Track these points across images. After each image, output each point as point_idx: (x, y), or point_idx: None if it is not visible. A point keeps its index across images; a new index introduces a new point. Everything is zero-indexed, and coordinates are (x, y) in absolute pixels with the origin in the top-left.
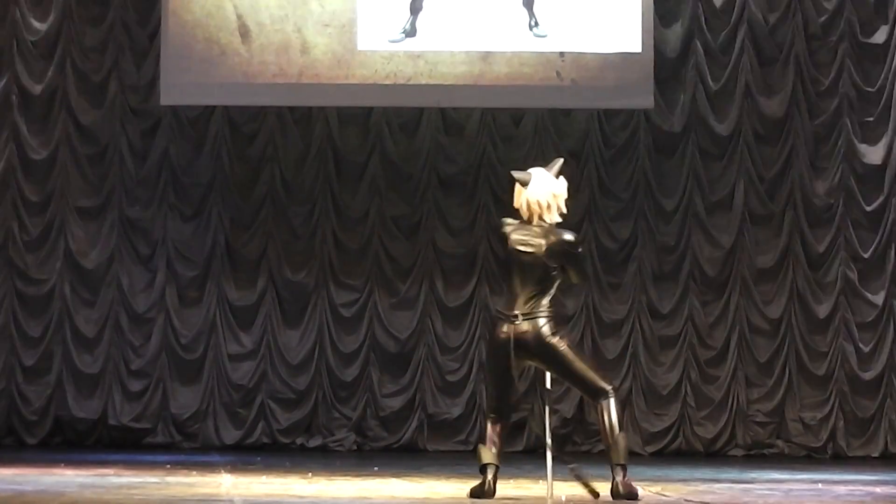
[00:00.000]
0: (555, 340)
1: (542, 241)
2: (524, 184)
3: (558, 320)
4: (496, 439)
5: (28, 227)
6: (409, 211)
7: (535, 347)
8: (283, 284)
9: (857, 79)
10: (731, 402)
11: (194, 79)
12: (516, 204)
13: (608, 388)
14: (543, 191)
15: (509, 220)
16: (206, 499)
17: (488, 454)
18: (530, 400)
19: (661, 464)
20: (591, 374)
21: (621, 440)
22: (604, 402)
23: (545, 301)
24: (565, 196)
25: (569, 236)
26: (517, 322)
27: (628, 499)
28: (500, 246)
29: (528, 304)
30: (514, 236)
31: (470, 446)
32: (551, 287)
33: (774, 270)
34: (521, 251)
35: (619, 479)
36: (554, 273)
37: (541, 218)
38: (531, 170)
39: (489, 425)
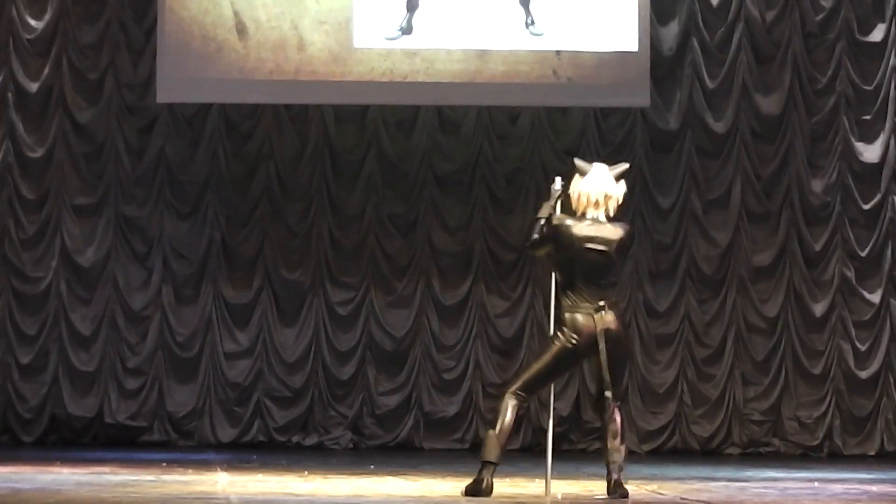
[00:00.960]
0: (625, 334)
1: (611, 238)
2: (583, 173)
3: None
4: (510, 423)
5: (24, 224)
6: (405, 209)
7: (616, 338)
8: (279, 282)
9: (854, 77)
10: (727, 400)
11: (191, 75)
12: (571, 191)
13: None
14: (597, 187)
15: (563, 216)
16: (203, 497)
17: (494, 450)
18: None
19: (658, 462)
20: (626, 376)
21: (624, 447)
22: (620, 406)
23: (613, 292)
24: (619, 200)
25: (629, 231)
26: (604, 314)
27: (623, 497)
28: (552, 239)
29: (603, 296)
30: (577, 230)
31: (466, 444)
32: (618, 279)
33: (771, 269)
34: (588, 248)
35: (615, 476)
36: (619, 264)
37: (584, 214)
38: (595, 164)
39: (510, 404)
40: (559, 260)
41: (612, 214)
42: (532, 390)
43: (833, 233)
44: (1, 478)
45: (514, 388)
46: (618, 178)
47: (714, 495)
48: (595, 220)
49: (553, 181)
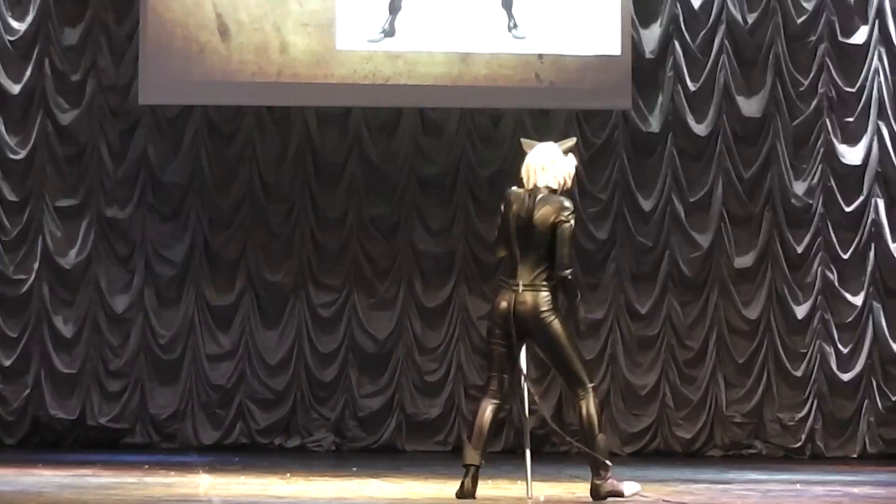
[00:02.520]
0: (551, 317)
1: (538, 208)
2: (527, 149)
3: (559, 297)
4: (485, 425)
5: (6, 226)
6: (387, 211)
7: (532, 322)
8: (261, 285)
9: (836, 79)
10: (709, 402)
11: (173, 77)
12: (522, 171)
13: (589, 384)
14: (542, 154)
15: (515, 189)
16: (185, 499)
17: (470, 453)
18: (509, 401)
19: (640, 464)
20: (577, 365)
21: (601, 440)
22: (582, 398)
23: (548, 274)
24: (569, 171)
25: (564, 202)
26: (518, 291)
27: (612, 496)
28: (501, 213)
29: (531, 276)
30: (514, 203)
31: (448, 447)
32: (548, 259)
33: (753, 271)
34: (517, 216)
35: (596, 480)
36: (551, 243)
37: (535, 185)
38: (541, 143)
39: (482, 406)
40: (503, 233)
41: (562, 182)
42: (493, 385)
43: (815, 235)
44: None
45: (484, 391)
46: (566, 152)
47: (696, 497)
48: (536, 191)
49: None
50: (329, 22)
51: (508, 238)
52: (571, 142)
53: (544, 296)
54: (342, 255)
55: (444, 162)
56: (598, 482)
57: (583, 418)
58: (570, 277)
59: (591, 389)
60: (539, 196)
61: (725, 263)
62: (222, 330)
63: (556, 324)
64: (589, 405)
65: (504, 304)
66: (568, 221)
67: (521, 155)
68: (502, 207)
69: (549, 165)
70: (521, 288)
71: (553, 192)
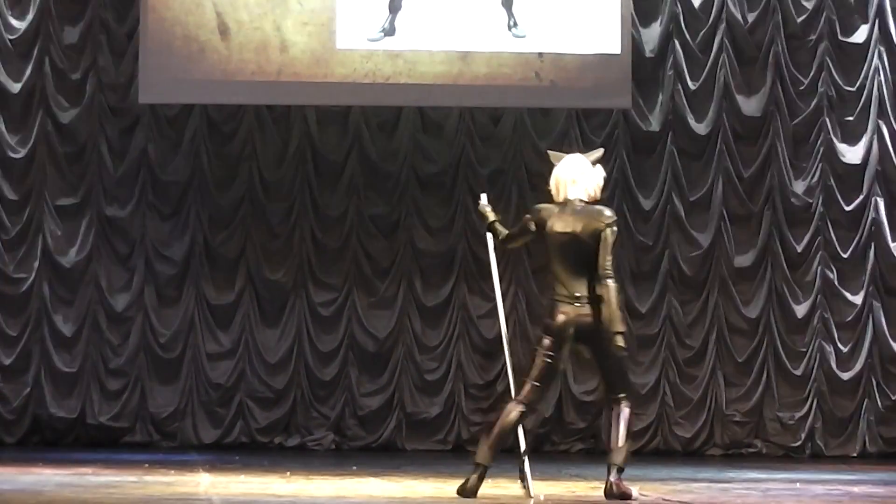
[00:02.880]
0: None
1: (580, 221)
2: (555, 162)
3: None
4: (507, 427)
5: (6, 225)
6: (387, 210)
7: (596, 331)
8: (261, 283)
9: (836, 78)
10: (709, 401)
11: (173, 76)
12: (551, 184)
13: (630, 394)
14: (573, 167)
15: (543, 205)
16: (185, 498)
17: (484, 452)
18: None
19: (640, 463)
20: (626, 373)
21: (627, 447)
22: (624, 405)
23: (596, 284)
24: (598, 182)
25: (605, 211)
26: (580, 304)
27: (622, 499)
28: (534, 231)
29: (587, 287)
30: (551, 219)
31: (448, 445)
32: (598, 267)
33: (753, 270)
34: (560, 233)
35: (612, 479)
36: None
37: (566, 198)
38: (569, 154)
39: (508, 409)
40: (545, 250)
41: (593, 194)
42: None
43: (815, 234)
44: None
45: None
46: (594, 162)
47: (696, 496)
48: (571, 204)
49: (480, 198)
50: (329, 21)
51: (553, 255)
52: (599, 153)
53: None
54: (342, 254)
55: (443, 161)
56: (614, 482)
57: (619, 420)
58: (612, 284)
59: (630, 399)
60: (577, 209)
61: (725, 262)
62: (222, 329)
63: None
64: (626, 413)
65: (562, 317)
66: (611, 228)
67: (522, 155)
68: (532, 224)
69: (579, 178)
70: (584, 300)
71: (587, 204)
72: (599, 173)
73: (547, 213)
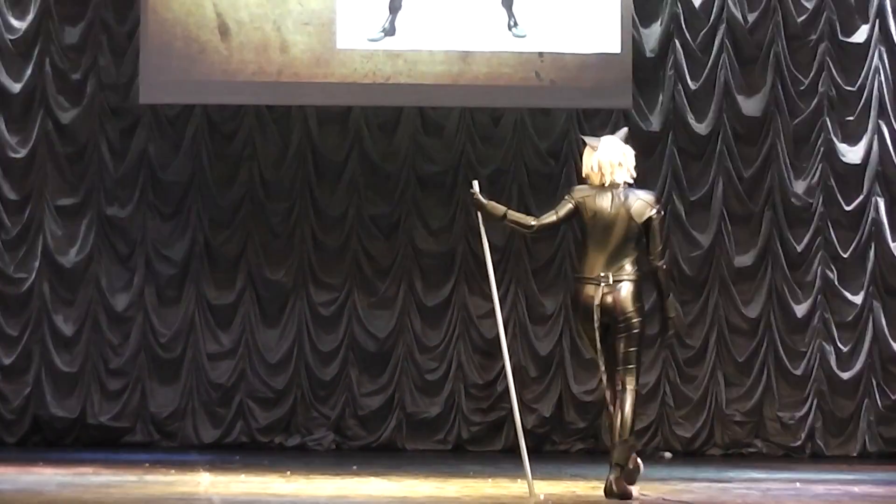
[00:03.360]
0: (640, 312)
1: (630, 204)
2: (594, 147)
3: (643, 287)
4: (610, 414)
5: (6, 225)
6: (387, 210)
7: (619, 312)
8: (261, 283)
9: (837, 78)
10: (709, 401)
11: (173, 77)
12: (586, 168)
13: (637, 382)
14: (615, 150)
15: (579, 187)
16: (185, 497)
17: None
18: (507, 399)
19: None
20: (639, 356)
21: (629, 441)
22: (629, 393)
23: (630, 267)
24: (633, 162)
25: (654, 195)
26: (606, 284)
27: (622, 498)
28: (571, 214)
29: (614, 269)
30: (593, 201)
31: (448, 445)
32: (634, 252)
33: (753, 270)
34: (603, 214)
35: (612, 477)
36: (638, 236)
37: (613, 181)
38: (602, 137)
39: (608, 388)
40: (582, 231)
41: (634, 174)
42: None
43: (815, 234)
44: None
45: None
46: (625, 141)
47: (696, 496)
48: (616, 186)
49: (472, 185)
50: (329, 21)
51: (592, 235)
52: (625, 130)
53: (634, 289)
54: (342, 254)
55: (444, 161)
56: (614, 479)
57: (624, 413)
58: (666, 266)
59: (637, 389)
60: (624, 192)
61: (725, 262)
62: (223, 329)
63: (641, 319)
64: (629, 402)
65: (589, 297)
66: (661, 213)
67: (522, 155)
68: (571, 205)
69: (623, 161)
70: (610, 280)
71: (630, 186)
72: (632, 153)
73: (587, 194)
